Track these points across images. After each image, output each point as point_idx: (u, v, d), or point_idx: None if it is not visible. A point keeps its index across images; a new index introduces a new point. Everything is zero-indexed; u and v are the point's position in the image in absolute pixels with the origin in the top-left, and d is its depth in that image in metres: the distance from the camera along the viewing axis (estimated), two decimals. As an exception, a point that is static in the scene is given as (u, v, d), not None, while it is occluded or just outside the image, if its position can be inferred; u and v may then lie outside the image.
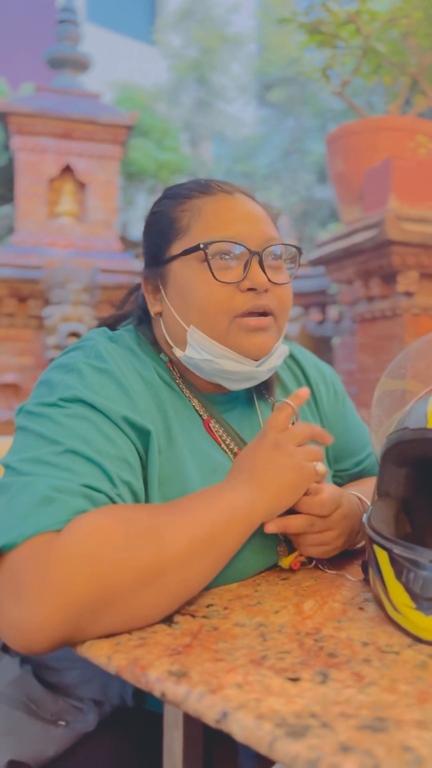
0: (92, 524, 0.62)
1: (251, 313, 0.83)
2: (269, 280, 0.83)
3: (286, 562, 0.82)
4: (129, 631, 0.64)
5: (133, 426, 0.75)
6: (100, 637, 0.62)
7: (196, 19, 12.67)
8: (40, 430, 0.70)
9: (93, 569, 0.59)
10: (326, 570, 0.83)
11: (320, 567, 0.84)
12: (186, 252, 0.83)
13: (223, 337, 0.82)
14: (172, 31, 13.04)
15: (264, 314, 0.84)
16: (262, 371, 0.86)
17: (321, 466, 0.79)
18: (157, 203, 0.91)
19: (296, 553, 0.83)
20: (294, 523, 0.77)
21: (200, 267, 0.82)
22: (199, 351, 0.83)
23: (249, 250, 0.82)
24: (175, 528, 0.65)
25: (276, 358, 0.88)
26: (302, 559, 0.84)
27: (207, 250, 0.81)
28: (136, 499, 0.73)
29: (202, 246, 0.81)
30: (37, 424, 0.72)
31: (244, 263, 0.82)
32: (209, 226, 0.83)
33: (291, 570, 0.83)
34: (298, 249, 0.89)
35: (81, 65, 6.48)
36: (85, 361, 0.78)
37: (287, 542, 0.84)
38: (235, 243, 0.82)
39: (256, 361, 0.84)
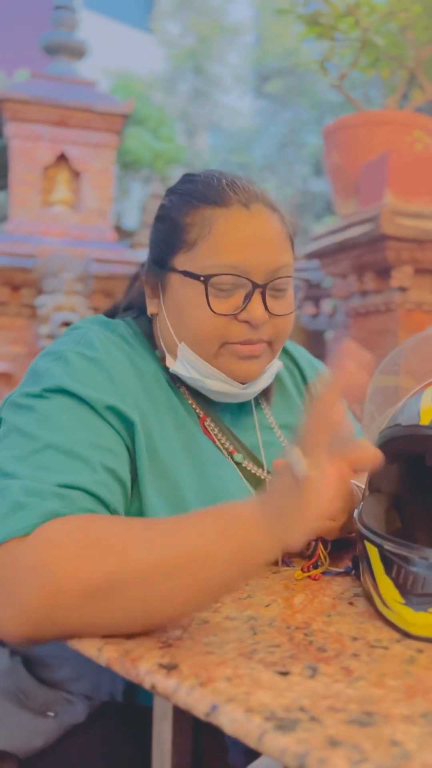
0: (50, 535, 0.61)
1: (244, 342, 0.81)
2: (269, 311, 0.81)
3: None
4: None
5: (118, 415, 0.74)
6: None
7: (193, 8, 12.58)
8: (22, 425, 0.70)
9: (44, 582, 0.59)
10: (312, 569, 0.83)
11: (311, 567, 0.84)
12: (188, 275, 0.81)
13: (212, 359, 0.82)
14: (169, 19, 12.94)
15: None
16: (248, 393, 0.86)
17: (301, 465, 0.59)
18: (168, 194, 0.87)
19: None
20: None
21: (200, 290, 0.79)
22: (188, 368, 0.83)
23: (253, 283, 0.79)
24: (144, 543, 0.60)
25: (265, 380, 0.87)
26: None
27: (208, 283, 0.79)
28: (123, 486, 0.72)
29: (202, 279, 0.79)
30: (20, 417, 0.71)
31: (245, 293, 0.80)
32: (216, 248, 0.79)
33: (284, 564, 0.84)
34: (307, 282, 0.87)
35: (77, 52, 6.42)
36: (73, 348, 0.77)
37: None
38: (238, 276, 0.79)
39: (243, 384, 0.84)
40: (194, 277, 0.80)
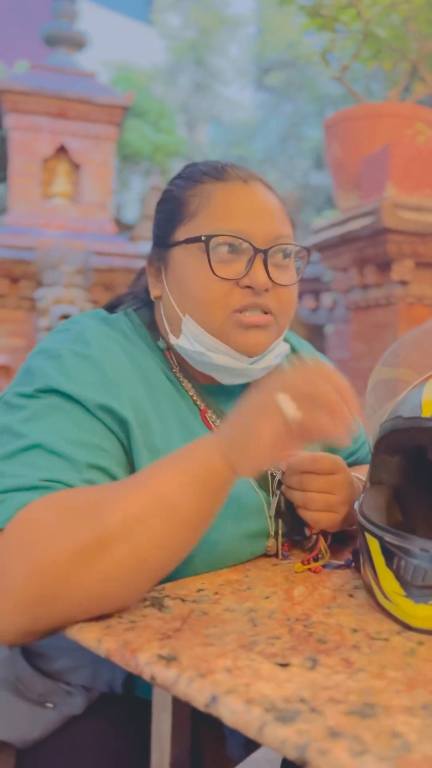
0: (27, 515, 0.61)
1: (249, 310, 0.80)
2: (272, 280, 0.80)
3: (273, 547, 0.83)
4: (119, 615, 0.64)
5: (111, 414, 0.73)
6: (88, 621, 0.62)
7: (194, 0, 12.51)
8: (11, 424, 0.70)
9: (29, 561, 0.59)
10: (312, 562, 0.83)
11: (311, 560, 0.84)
12: (188, 240, 0.81)
13: (218, 331, 0.81)
14: (169, 11, 12.88)
15: (264, 312, 0.82)
16: (255, 369, 0.84)
17: (285, 402, 0.64)
18: (171, 182, 0.89)
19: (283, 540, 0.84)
20: (295, 459, 0.81)
21: (202, 258, 0.80)
22: (192, 342, 0.82)
23: (254, 247, 0.79)
24: (117, 497, 0.62)
25: (273, 358, 0.85)
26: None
27: (209, 243, 0.79)
28: None
29: (203, 238, 0.79)
30: (10, 416, 0.71)
31: (247, 259, 0.80)
32: (216, 215, 0.81)
33: (283, 557, 0.84)
34: (308, 250, 0.87)
35: (77, 43, 6.39)
36: (68, 346, 0.76)
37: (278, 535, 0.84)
38: (240, 239, 0.79)
39: (250, 358, 0.82)
40: (195, 240, 0.80)
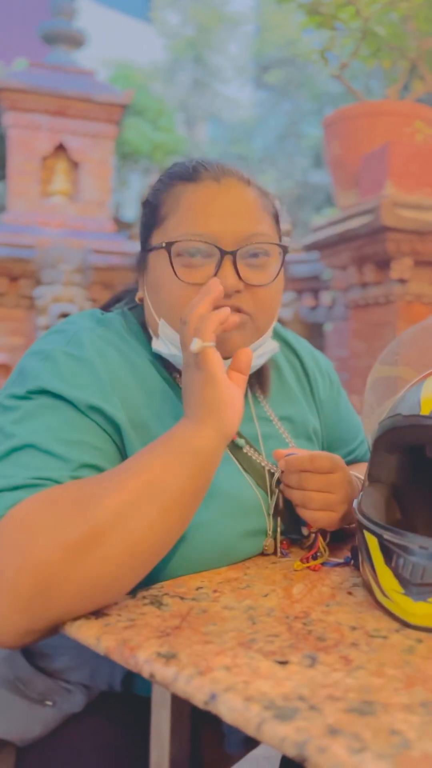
0: (18, 513, 0.62)
1: None
2: (244, 280, 0.79)
3: (271, 546, 0.83)
4: (118, 613, 0.64)
5: (103, 415, 0.73)
6: (87, 619, 0.62)
7: (193, -3, 12.49)
8: (3, 425, 0.70)
9: (23, 557, 0.59)
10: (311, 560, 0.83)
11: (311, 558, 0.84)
12: (155, 247, 0.81)
13: None
14: (169, 9, 12.86)
15: (236, 310, 0.79)
16: None
17: (195, 344, 0.68)
18: (154, 184, 0.89)
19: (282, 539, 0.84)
20: (293, 457, 0.80)
21: (170, 262, 0.79)
22: (167, 345, 0.81)
23: (220, 249, 0.78)
24: (106, 489, 0.63)
25: (255, 357, 0.84)
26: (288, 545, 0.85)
27: (170, 250, 0.78)
28: None
29: (164, 245, 0.79)
30: (2, 417, 0.72)
31: (216, 261, 0.78)
32: (183, 219, 0.79)
33: (282, 555, 0.84)
34: (282, 247, 0.84)
35: (76, 41, 6.38)
36: (62, 348, 0.76)
37: (275, 533, 0.84)
38: (204, 242, 0.78)
39: (225, 360, 0.80)
40: (159, 247, 0.80)
